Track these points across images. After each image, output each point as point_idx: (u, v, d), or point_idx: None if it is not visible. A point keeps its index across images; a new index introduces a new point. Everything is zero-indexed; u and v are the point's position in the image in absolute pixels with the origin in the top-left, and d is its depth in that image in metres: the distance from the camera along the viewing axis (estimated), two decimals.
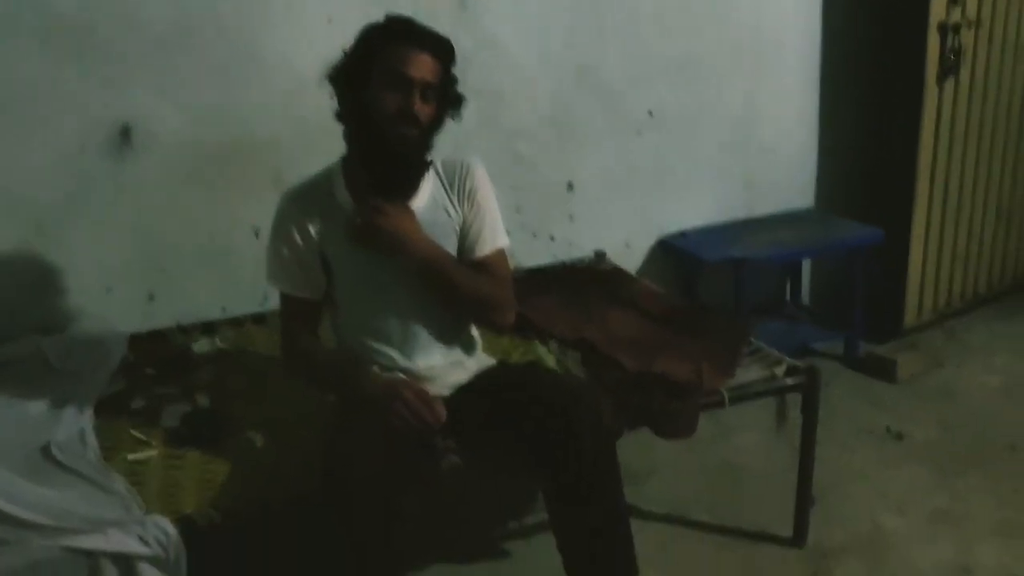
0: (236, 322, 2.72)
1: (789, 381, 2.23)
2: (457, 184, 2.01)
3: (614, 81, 3.15)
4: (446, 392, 2.02)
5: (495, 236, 2.02)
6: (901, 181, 3.31)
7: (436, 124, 1.94)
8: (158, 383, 2.38)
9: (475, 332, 2.14)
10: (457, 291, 1.95)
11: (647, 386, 2.13)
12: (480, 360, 2.13)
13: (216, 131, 2.67)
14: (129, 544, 1.71)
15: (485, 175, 2.04)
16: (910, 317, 3.44)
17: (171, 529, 1.75)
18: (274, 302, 2.69)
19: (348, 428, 1.85)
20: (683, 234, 3.32)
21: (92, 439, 2.09)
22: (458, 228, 2.01)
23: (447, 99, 1.94)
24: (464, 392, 2.04)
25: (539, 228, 3.15)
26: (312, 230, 1.96)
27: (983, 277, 3.68)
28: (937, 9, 3.07)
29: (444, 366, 2.04)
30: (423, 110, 1.88)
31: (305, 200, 1.98)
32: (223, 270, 2.78)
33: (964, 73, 3.23)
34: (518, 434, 1.85)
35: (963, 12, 3.12)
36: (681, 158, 3.33)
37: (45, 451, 2.01)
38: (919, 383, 3.18)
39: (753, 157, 3.46)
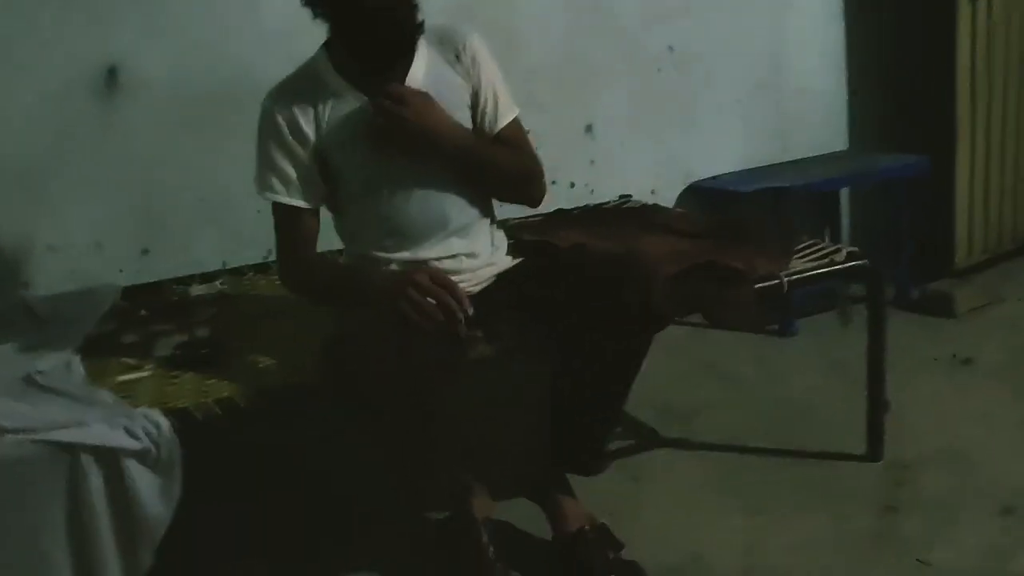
0: (237, 271, 2.53)
1: (850, 266, 2.00)
2: (455, 52, 1.81)
3: (631, 16, 3.00)
4: (476, 289, 1.82)
5: (508, 106, 1.84)
6: (940, 111, 3.13)
7: None
8: (152, 323, 2.17)
9: (499, 229, 1.95)
10: (499, 172, 1.80)
11: (697, 275, 1.91)
12: (504, 259, 1.92)
13: (210, 72, 2.51)
14: (114, 437, 1.49)
15: (483, 43, 1.85)
16: (960, 256, 3.21)
17: (163, 421, 1.54)
18: None
19: (355, 321, 1.65)
20: (714, 178, 3.12)
21: (78, 367, 1.87)
22: (468, 101, 1.82)
23: None
24: (495, 283, 1.85)
25: (558, 174, 2.95)
26: (306, 128, 1.77)
27: None
28: None
29: (473, 261, 1.84)
30: None
31: (293, 95, 1.79)
32: (223, 221, 2.59)
33: None
34: (560, 308, 1.68)
35: None
36: (705, 98, 3.16)
37: (27, 379, 1.80)
38: (980, 316, 2.95)
39: (782, 96, 3.28)
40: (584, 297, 1.66)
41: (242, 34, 2.53)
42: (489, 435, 2.06)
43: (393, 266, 1.80)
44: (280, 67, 2.56)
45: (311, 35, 2.48)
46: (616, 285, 1.64)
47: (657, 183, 3.10)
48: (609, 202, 2.89)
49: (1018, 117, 3.30)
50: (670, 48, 3.07)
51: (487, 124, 1.83)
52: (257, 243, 2.60)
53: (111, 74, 2.41)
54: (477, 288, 1.83)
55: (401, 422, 1.65)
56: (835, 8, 3.32)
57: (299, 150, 1.76)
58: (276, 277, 2.40)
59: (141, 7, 2.42)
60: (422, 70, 1.77)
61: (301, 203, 1.79)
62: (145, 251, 2.52)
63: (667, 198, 3.11)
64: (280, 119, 1.77)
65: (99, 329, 2.10)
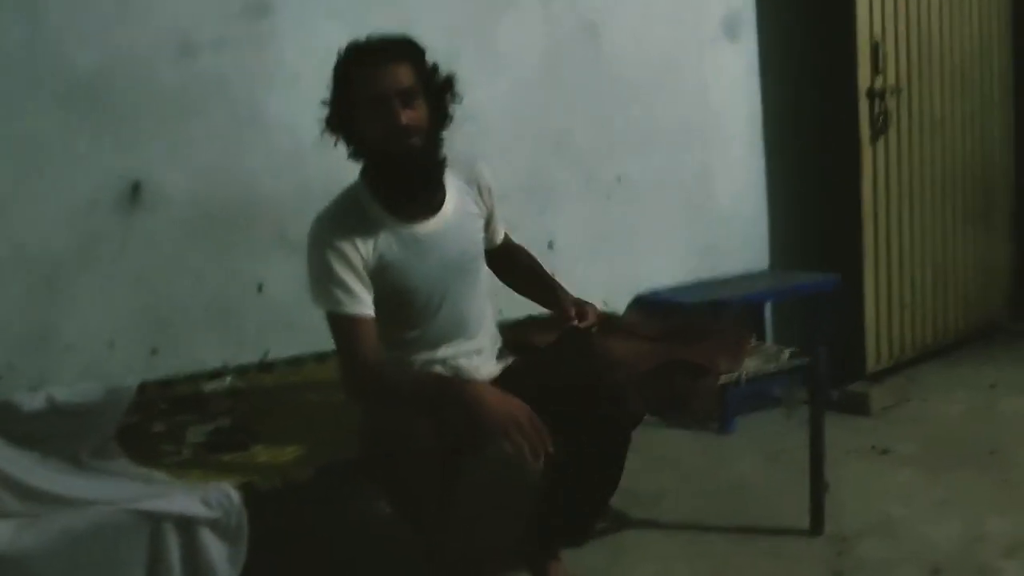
0: (242, 369, 2.73)
1: (796, 364, 2.38)
2: (477, 184, 2.14)
3: (585, 149, 3.41)
4: (488, 372, 2.11)
5: (503, 221, 2.26)
6: (848, 237, 3.60)
7: (437, 120, 1.98)
8: (175, 414, 2.36)
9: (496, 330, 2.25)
10: None
11: (666, 373, 2.24)
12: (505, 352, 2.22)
13: (222, 190, 2.78)
14: (193, 506, 1.69)
15: (489, 171, 2.20)
16: (871, 362, 3.64)
17: (234, 493, 1.74)
18: (277, 354, 2.82)
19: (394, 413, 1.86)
20: (655, 292, 3.51)
21: (119, 452, 2.06)
22: (484, 220, 2.17)
23: (436, 92, 1.97)
24: (504, 377, 2.12)
25: None
26: (360, 247, 1.94)
27: (929, 329, 3.93)
28: (863, 76, 3.47)
29: (488, 350, 2.14)
30: (412, 116, 1.90)
31: (343, 219, 1.98)
32: (226, 325, 2.82)
33: (892, 135, 3.61)
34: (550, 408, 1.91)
35: (885, 80, 3.53)
36: (647, 222, 3.57)
37: (75, 459, 1.98)
38: (891, 414, 3.36)
39: (711, 222, 3.73)
40: (566, 402, 1.92)
41: (253, 155, 2.81)
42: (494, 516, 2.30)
43: (420, 364, 2.03)
44: (288, 187, 2.90)
45: (318, 158, 2.82)
46: (592, 391, 1.93)
47: (608, 295, 3.44)
48: None
49: (912, 241, 3.81)
50: (618, 178, 3.49)
51: (495, 235, 2.19)
52: (256, 346, 2.85)
53: (135, 190, 2.65)
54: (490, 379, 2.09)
55: (428, 496, 1.86)
56: (756, 144, 3.81)
57: (357, 264, 1.92)
58: (280, 375, 2.67)
59: (166, 130, 2.68)
60: (452, 203, 2.07)
61: (366, 311, 1.92)
62: (154, 351, 2.71)
63: (618, 307, 3.45)
64: (336, 238, 1.93)
65: (125, 421, 2.29)
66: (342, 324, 1.92)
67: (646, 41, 3.52)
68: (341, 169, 2.87)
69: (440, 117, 2.00)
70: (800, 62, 3.81)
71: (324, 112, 1.99)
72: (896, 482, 2.75)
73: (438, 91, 1.99)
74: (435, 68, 1.99)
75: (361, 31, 2.88)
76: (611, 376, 2.01)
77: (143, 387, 2.51)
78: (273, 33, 2.84)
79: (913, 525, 2.46)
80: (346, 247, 1.93)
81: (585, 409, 1.94)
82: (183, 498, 1.70)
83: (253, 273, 2.84)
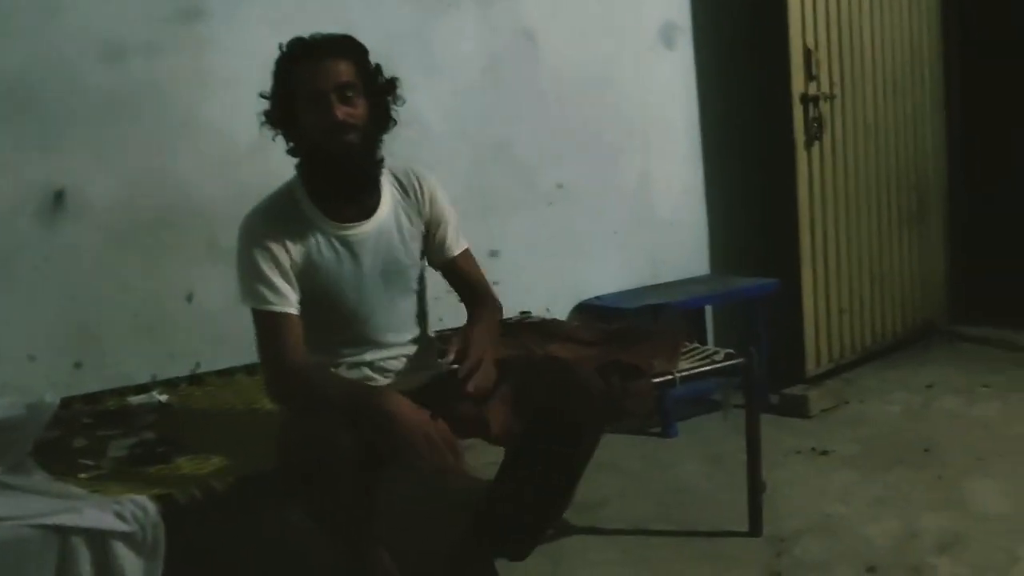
0: (171, 383, 2.65)
1: (729, 364, 2.38)
2: (413, 193, 2.08)
3: (526, 156, 3.41)
4: (413, 380, 2.06)
5: (459, 239, 2.14)
6: (786, 240, 3.63)
7: (377, 119, 1.96)
8: (98, 429, 2.28)
9: (433, 335, 2.21)
10: None
11: (604, 372, 2.22)
12: (435, 362, 2.18)
13: (150, 197, 2.73)
14: (105, 520, 1.63)
15: (439, 184, 2.14)
16: (810, 365, 3.67)
17: (150, 505, 1.68)
18: (209, 366, 2.75)
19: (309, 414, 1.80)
20: (598, 298, 3.51)
21: (36, 469, 1.98)
22: (421, 234, 2.09)
23: (376, 90, 1.96)
24: (435, 385, 2.08)
25: None
26: (289, 245, 1.92)
27: (867, 332, 3.98)
28: (797, 82, 3.51)
29: (417, 358, 2.09)
30: (349, 112, 1.89)
31: (274, 216, 1.96)
32: (154, 337, 2.75)
33: (827, 140, 3.65)
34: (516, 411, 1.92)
35: (819, 86, 3.58)
36: (589, 229, 3.57)
37: None
38: (830, 416, 3.38)
39: (652, 228, 3.74)
40: (535, 407, 1.90)
41: (184, 161, 2.76)
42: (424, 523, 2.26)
43: (343, 367, 2.01)
44: (219, 193, 2.84)
45: (251, 163, 2.79)
46: (562, 394, 1.91)
47: (551, 302, 3.44)
48: (512, 318, 3.20)
49: (849, 245, 3.85)
50: (559, 185, 3.49)
51: (438, 251, 2.11)
52: (185, 358, 2.78)
53: (58, 197, 2.58)
54: (414, 388, 2.03)
55: (348, 508, 1.79)
56: (695, 152, 3.84)
57: (284, 263, 1.91)
58: (210, 387, 2.61)
59: (92, 135, 2.62)
60: (387, 208, 2.04)
61: (291, 310, 1.90)
62: (78, 364, 2.63)
63: (560, 314, 3.45)
64: (265, 235, 1.91)
65: (45, 436, 2.21)
66: (266, 322, 1.89)
67: (584, 49, 3.53)
68: (276, 174, 2.81)
69: (380, 117, 1.98)
70: (736, 69, 3.85)
71: (264, 106, 1.97)
72: (834, 482, 2.77)
73: (379, 91, 1.98)
74: (378, 68, 1.98)
75: (296, 35, 2.87)
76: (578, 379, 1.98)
77: (67, 402, 2.43)
78: (206, 37, 2.80)
79: (850, 524, 2.47)
80: (274, 245, 1.91)
81: (552, 414, 1.90)
82: (95, 512, 1.63)
83: (183, 282, 2.78)
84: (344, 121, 1.88)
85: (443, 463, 1.75)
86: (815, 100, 3.57)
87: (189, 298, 2.79)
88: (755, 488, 2.43)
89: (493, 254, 3.31)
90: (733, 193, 3.90)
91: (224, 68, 2.79)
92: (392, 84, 2.00)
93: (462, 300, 2.18)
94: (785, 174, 3.59)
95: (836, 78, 3.69)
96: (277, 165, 2.85)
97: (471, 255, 2.17)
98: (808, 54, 3.54)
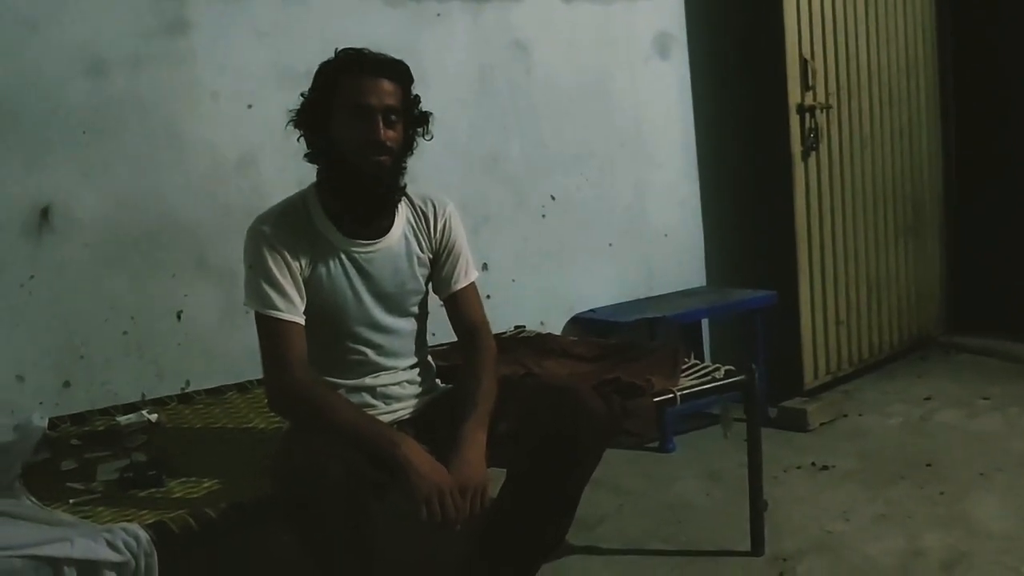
0: (160, 402, 2.60)
1: (730, 381, 2.34)
2: (431, 221, 2.04)
3: (518, 169, 3.37)
4: (411, 405, 2.03)
5: (467, 273, 2.08)
6: (783, 251, 3.61)
7: (406, 147, 1.96)
8: (87, 450, 2.24)
9: (430, 358, 2.17)
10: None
11: (604, 392, 2.18)
12: (435, 386, 2.14)
13: (137, 214, 2.68)
14: (97, 550, 1.58)
15: (458, 215, 2.09)
16: (808, 378, 3.64)
17: (142, 534, 1.63)
18: (199, 384, 2.70)
19: (305, 442, 1.76)
20: (593, 311, 3.47)
21: (25, 494, 1.94)
22: (428, 263, 2.05)
23: (412, 120, 1.96)
24: (433, 407, 2.04)
25: None
26: (299, 254, 1.89)
27: (865, 344, 3.96)
28: (793, 92, 3.48)
29: (415, 388, 2.05)
30: (390, 136, 1.88)
31: (285, 223, 1.92)
32: (143, 356, 2.70)
33: (823, 151, 3.63)
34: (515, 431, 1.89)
35: (815, 96, 3.56)
36: (582, 241, 3.53)
37: None
38: (829, 429, 3.35)
39: (647, 240, 3.70)
40: (539, 432, 1.86)
41: (171, 177, 2.71)
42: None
43: (342, 390, 1.94)
44: (207, 209, 2.80)
45: (239, 179, 2.74)
46: (566, 419, 1.85)
47: (545, 315, 3.41)
48: (506, 332, 3.16)
49: (846, 257, 3.83)
50: (552, 197, 3.45)
51: (449, 284, 2.05)
52: (175, 376, 2.74)
53: (44, 214, 2.53)
54: (412, 413, 2.02)
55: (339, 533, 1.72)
56: (691, 166, 3.81)
57: (296, 271, 1.87)
58: (200, 406, 2.56)
59: (78, 151, 2.56)
60: (398, 233, 1.99)
61: (299, 319, 1.86)
62: (66, 384, 2.58)
63: (555, 328, 3.41)
64: (276, 240, 1.87)
65: (34, 459, 2.16)
66: (271, 327, 1.85)
67: (578, 60, 3.50)
68: (265, 191, 2.79)
69: (409, 146, 1.98)
70: (731, 80, 3.82)
71: (298, 105, 1.93)
72: (835, 498, 2.73)
73: (415, 121, 1.98)
74: (417, 99, 1.98)
75: (284, 49, 2.84)
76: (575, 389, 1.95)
77: (55, 422, 2.39)
78: (192, 51, 2.75)
79: (853, 543, 2.43)
80: (285, 249, 1.87)
81: (558, 427, 1.86)
82: (86, 541, 1.58)
83: (171, 300, 2.73)
84: (383, 141, 1.88)
85: (450, 521, 1.72)
86: (812, 111, 3.54)
87: (178, 316, 2.74)
88: (756, 508, 2.38)
89: (484, 267, 3.27)
90: (729, 204, 3.87)
91: (209, 82, 2.76)
92: (425, 117, 1.99)
93: (456, 335, 2.12)
94: (782, 185, 3.56)
95: (832, 88, 3.67)
96: (266, 182, 2.84)
97: (475, 291, 2.12)
98: (804, 64, 3.52)
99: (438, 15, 3.19)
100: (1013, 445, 3.06)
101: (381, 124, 1.87)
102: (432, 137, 2.02)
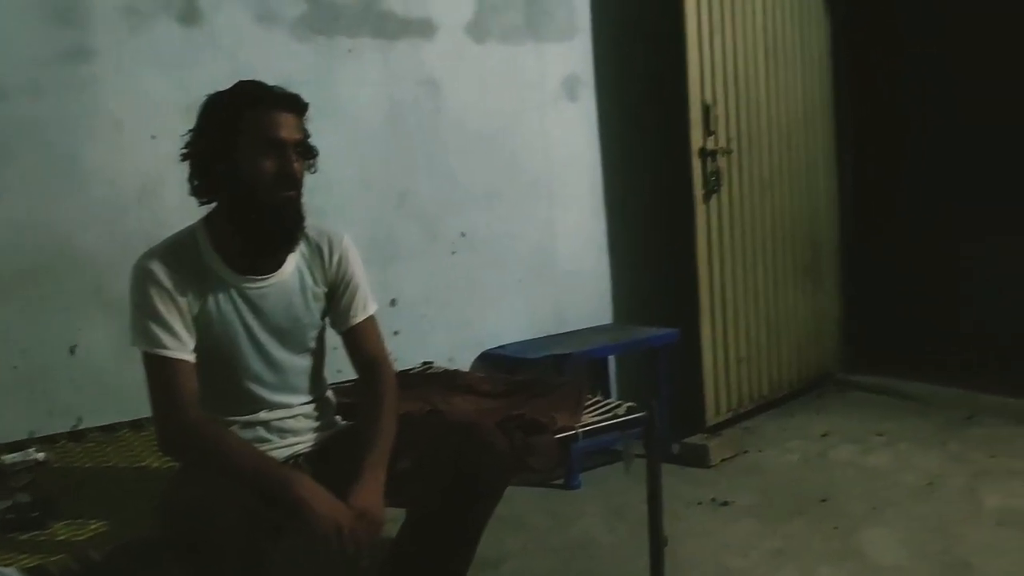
0: (50, 439, 2.50)
1: (631, 418, 2.37)
2: (326, 255, 2.02)
3: (428, 204, 3.39)
4: (309, 439, 2.00)
5: (366, 305, 2.06)
6: (686, 290, 3.70)
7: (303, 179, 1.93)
8: None
9: (330, 394, 2.14)
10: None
11: (507, 429, 2.19)
12: (335, 422, 2.12)
13: (32, 243, 2.61)
14: None
15: (354, 248, 2.07)
16: (710, 415, 3.72)
17: None
18: (91, 421, 2.61)
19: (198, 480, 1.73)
20: (502, 347, 3.49)
21: None
22: (324, 296, 2.02)
23: (308, 153, 1.95)
24: (333, 443, 2.02)
25: None
26: (186, 290, 1.85)
27: (764, 380, 4.07)
28: (696, 137, 3.59)
29: (312, 422, 2.02)
30: (299, 170, 1.88)
31: (173, 259, 1.87)
32: (34, 391, 2.62)
33: (724, 193, 3.74)
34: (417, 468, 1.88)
35: (716, 141, 3.68)
36: (492, 278, 3.56)
37: None
38: (730, 465, 3.43)
39: (556, 277, 3.75)
40: (441, 472, 1.85)
41: (68, 206, 2.65)
42: None
43: (236, 427, 1.92)
44: (105, 240, 2.73)
45: (139, 210, 2.68)
46: (468, 457, 1.85)
47: (454, 351, 3.41)
48: (413, 368, 3.15)
49: (746, 296, 3.94)
50: (462, 234, 3.47)
51: (348, 317, 2.02)
52: (66, 413, 2.65)
53: None
54: (310, 447, 2.00)
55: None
56: (598, 204, 3.88)
57: (184, 308, 1.84)
58: (91, 444, 2.47)
59: None
60: (292, 266, 1.97)
61: (188, 357, 1.82)
62: None
63: (463, 364, 3.41)
64: (163, 277, 1.82)
65: None
66: (160, 367, 1.80)
67: (488, 99, 3.55)
68: (165, 222, 2.71)
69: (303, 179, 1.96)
70: (638, 122, 3.93)
71: (191, 138, 1.89)
72: (734, 533, 2.79)
73: (310, 154, 1.95)
74: (309, 134, 1.95)
75: (191, 78, 2.80)
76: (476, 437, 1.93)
77: None
78: (94, 79, 2.70)
79: None
80: (172, 287, 1.83)
81: (460, 466, 1.86)
82: None
83: (65, 333, 2.65)
84: (295, 176, 1.87)
85: (352, 559, 1.70)
86: (713, 154, 3.66)
87: (72, 350, 2.66)
88: (656, 544, 2.41)
89: (394, 303, 3.27)
90: (636, 244, 3.96)
91: (111, 111, 2.71)
92: (315, 151, 1.96)
93: (355, 370, 2.09)
94: (684, 226, 3.66)
95: (733, 133, 3.80)
96: (167, 213, 2.78)
97: (375, 325, 2.08)
98: (707, 110, 3.63)
99: (349, 51, 3.20)
100: (904, 479, 3.18)
101: (292, 158, 1.86)
102: (317, 171, 1.99)
